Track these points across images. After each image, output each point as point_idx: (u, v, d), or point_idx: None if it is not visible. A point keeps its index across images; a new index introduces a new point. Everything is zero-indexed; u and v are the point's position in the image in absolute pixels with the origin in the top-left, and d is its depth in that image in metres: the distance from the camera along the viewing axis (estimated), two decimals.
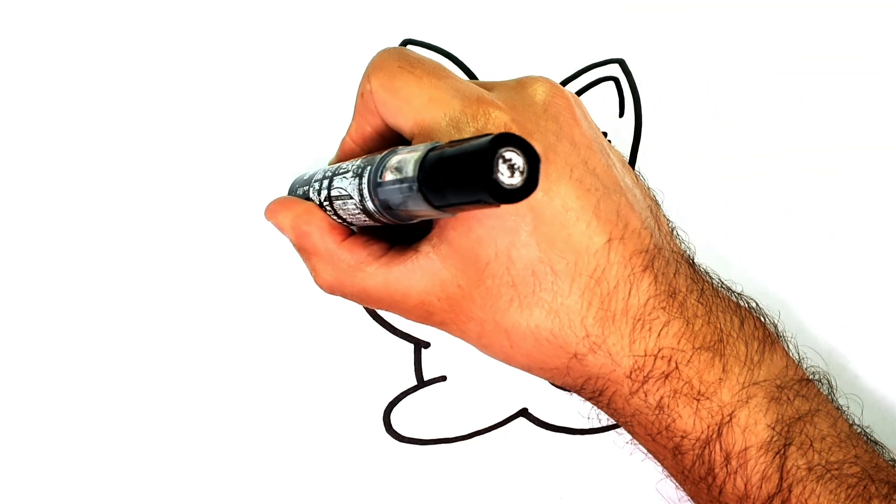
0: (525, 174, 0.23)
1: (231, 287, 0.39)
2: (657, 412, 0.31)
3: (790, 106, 0.41)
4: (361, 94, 0.32)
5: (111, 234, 0.39)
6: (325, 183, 0.32)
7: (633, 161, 0.41)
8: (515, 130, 0.29)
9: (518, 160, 0.23)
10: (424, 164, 0.25)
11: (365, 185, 0.29)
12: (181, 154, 0.40)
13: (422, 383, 0.40)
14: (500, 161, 0.23)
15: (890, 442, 0.34)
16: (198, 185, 0.40)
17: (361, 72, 0.41)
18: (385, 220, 0.29)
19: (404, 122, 0.30)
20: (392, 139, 0.33)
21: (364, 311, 0.39)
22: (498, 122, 0.29)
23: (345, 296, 0.33)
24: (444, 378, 0.40)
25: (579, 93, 0.41)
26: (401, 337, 0.40)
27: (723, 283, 0.34)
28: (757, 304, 0.34)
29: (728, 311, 0.32)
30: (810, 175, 0.41)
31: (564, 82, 0.41)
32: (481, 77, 0.41)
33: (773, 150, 0.41)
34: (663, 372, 0.30)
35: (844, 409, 0.33)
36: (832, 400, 0.33)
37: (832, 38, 0.42)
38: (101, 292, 0.39)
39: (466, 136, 0.29)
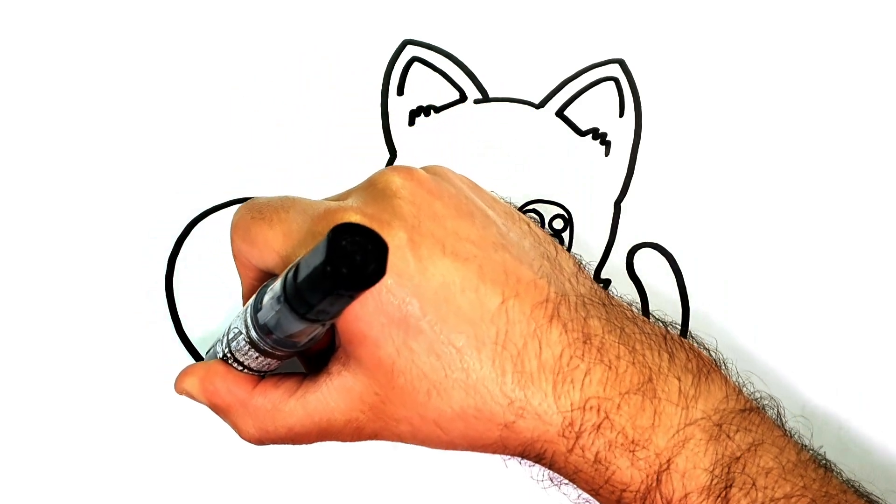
0: (370, 253, 0.23)
1: (230, 285, 0.39)
2: (596, 466, 0.29)
3: (790, 106, 0.41)
4: (234, 256, 0.32)
5: (93, 230, 0.39)
6: (226, 331, 0.32)
7: (633, 161, 0.41)
8: (367, 224, 0.28)
9: (362, 243, 0.23)
10: (286, 277, 0.26)
11: (248, 316, 0.29)
12: (180, 154, 0.40)
13: None
14: (343, 249, 0.23)
15: (846, 459, 0.32)
16: (197, 185, 0.40)
17: (363, 72, 0.41)
18: (274, 352, 0.30)
19: (272, 263, 0.30)
20: None
21: None
22: (349, 220, 0.29)
23: (274, 442, 0.32)
24: None
25: (579, 93, 0.41)
26: None
27: (651, 314, 0.33)
28: (691, 334, 0.33)
29: (656, 347, 0.31)
30: (811, 175, 0.41)
31: (564, 82, 0.41)
32: (481, 77, 0.41)
33: (773, 151, 0.41)
34: (594, 424, 0.29)
35: (794, 432, 0.32)
36: (780, 425, 0.31)
37: (832, 38, 0.42)
38: (99, 292, 0.39)
39: None
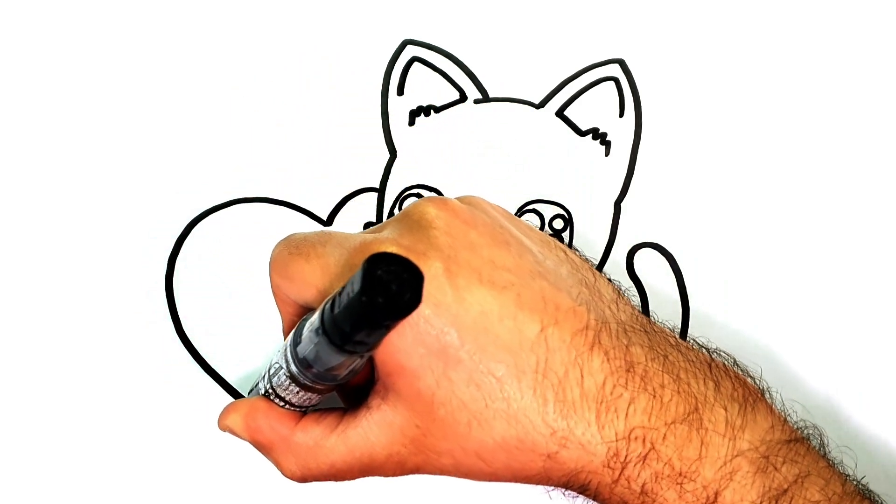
0: (406, 282, 0.23)
1: (230, 285, 0.39)
2: (642, 498, 0.29)
3: (790, 106, 0.41)
4: (274, 292, 0.32)
5: (94, 229, 0.39)
6: (267, 367, 0.32)
7: (633, 161, 0.41)
8: (404, 255, 0.28)
9: (398, 272, 0.23)
10: (324, 309, 0.26)
11: (289, 349, 0.29)
12: (180, 154, 0.40)
13: None
14: (378, 278, 0.23)
15: (890, 490, 0.32)
16: (197, 185, 0.40)
17: (363, 72, 0.41)
18: (314, 386, 0.30)
19: (311, 298, 0.30)
20: None
21: None
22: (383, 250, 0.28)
23: (317, 479, 0.32)
24: None
25: (579, 93, 0.41)
26: None
27: (694, 340, 0.32)
28: (735, 360, 0.32)
29: (700, 375, 0.30)
30: (811, 175, 0.41)
31: (564, 82, 0.41)
32: (481, 77, 0.41)
33: (773, 151, 0.41)
34: (640, 454, 0.29)
35: (837, 462, 0.31)
36: (824, 455, 0.31)
37: (832, 38, 0.42)
38: (99, 292, 0.39)
39: None
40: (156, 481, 0.38)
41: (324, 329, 0.26)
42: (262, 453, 0.33)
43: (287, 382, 0.30)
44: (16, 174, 0.40)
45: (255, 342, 0.39)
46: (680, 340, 0.32)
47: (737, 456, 0.29)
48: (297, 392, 0.30)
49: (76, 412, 0.38)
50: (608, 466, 0.29)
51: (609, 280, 0.33)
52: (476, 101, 0.41)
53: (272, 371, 0.31)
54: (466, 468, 0.30)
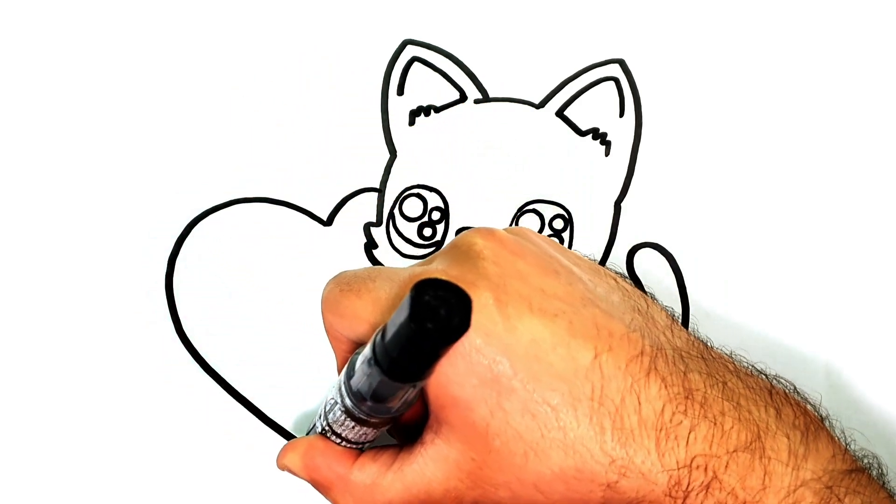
0: (454, 307, 0.23)
1: (230, 285, 0.39)
2: None
3: (790, 106, 0.41)
4: (327, 330, 0.33)
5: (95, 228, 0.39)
6: (323, 404, 0.32)
7: (633, 161, 0.41)
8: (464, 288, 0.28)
9: (445, 297, 0.23)
10: (375, 340, 0.26)
11: (342, 384, 0.29)
12: (180, 154, 0.40)
13: None
14: (426, 304, 0.23)
15: None
16: (197, 185, 0.40)
17: (363, 72, 0.41)
18: (369, 419, 0.29)
19: (363, 332, 0.31)
20: None
21: None
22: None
23: None
24: None
25: (579, 93, 0.41)
26: None
27: (753, 366, 0.31)
28: (795, 387, 0.31)
29: (761, 402, 0.29)
30: (811, 175, 0.41)
31: (564, 82, 0.41)
32: (481, 77, 0.41)
33: (773, 151, 0.41)
34: (702, 483, 0.28)
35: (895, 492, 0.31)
36: (883, 484, 0.30)
37: (832, 38, 0.42)
38: (99, 292, 0.39)
39: None
40: (156, 481, 0.38)
41: (375, 359, 0.26)
42: (321, 493, 0.32)
43: (343, 418, 0.30)
44: (16, 174, 0.40)
45: (255, 342, 0.39)
46: (739, 366, 0.31)
47: (800, 486, 0.28)
48: (353, 427, 0.30)
49: (76, 412, 0.38)
50: (670, 496, 0.28)
51: (662, 307, 0.33)
52: (476, 101, 0.41)
53: (328, 408, 0.31)
54: (525, 501, 0.29)
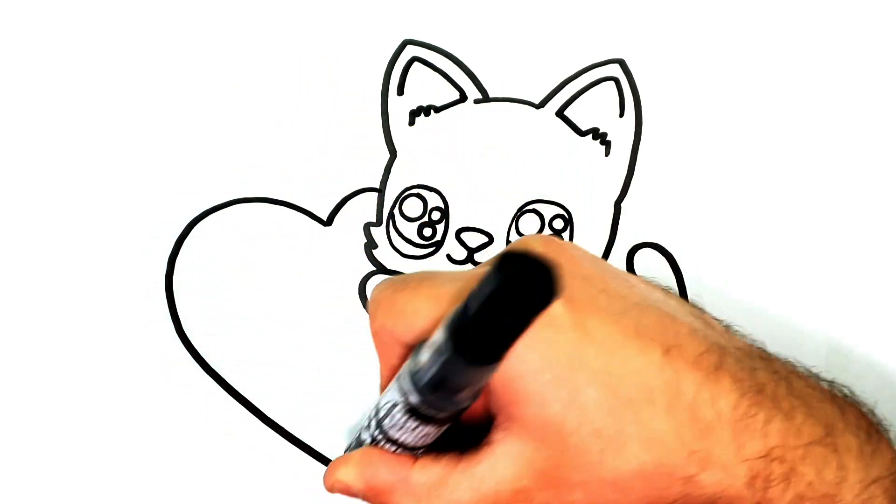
0: (542, 274, 0.22)
1: (230, 285, 0.39)
2: None
3: (790, 106, 0.41)
4: (376, 334, 0.31)
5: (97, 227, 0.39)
6: (372, 413, 0.31)
7: (633, 161, 0.41)
8: None
9: (531, 264, 0.22)
10: (448, 323, 0.25)
11: (405, 381, 0.28)
12: (180, 154, 0.40)
13: None
14: (516, 271, 0.22)
15: None
16: (197, 185, 0.40)
17: (363, 72, 0.41)
18: (436, 415, 0.28)
19: (421, 328, 0.29)
20: None
21: (364, 310, 0.39)
22: None
23: None
24: None
25: (579, 93, 0.41)
26: None
27: (810, 371, 0.31)
28: (851, 391, 0.31)
29: (826, 401, 0.29)
30: (811, 175, 0.41)
31: (564, 82, 0.41)
32: (481, 77, 0.41)
33: (773, 151, 0.41)
34: (782, 474, 0.28)
35: None
36: None
37: (832, 38, 0.42)
38: (99, 292, 0.39)
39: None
40: (156, 481, 0.38)
41: (454, 341, 0.24)
42: (379, 500, 0.31)
43: (403, 419, 0.29)
44: (15, 174, 0.40)
45: (255, 342, 0.39)
46: (798, 368, 0.31)
47: (872, 482, 0.28)
48: (415, 428, 0.29)
49: (76, 412, 0.38)
50: (750, 488, 0.28)
51: (714, 318, 0.33)
52: (476, 101, 0.41)
53: (381, 415, 0.30)
54: (599, 502, 0.29)
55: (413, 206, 0.40)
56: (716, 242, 0.40)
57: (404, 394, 0.28)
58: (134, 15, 0.41)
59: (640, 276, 0.33)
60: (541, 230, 0.40)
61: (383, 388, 0.32)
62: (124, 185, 0.40)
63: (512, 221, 0.40)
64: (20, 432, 0.38)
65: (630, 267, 0.40)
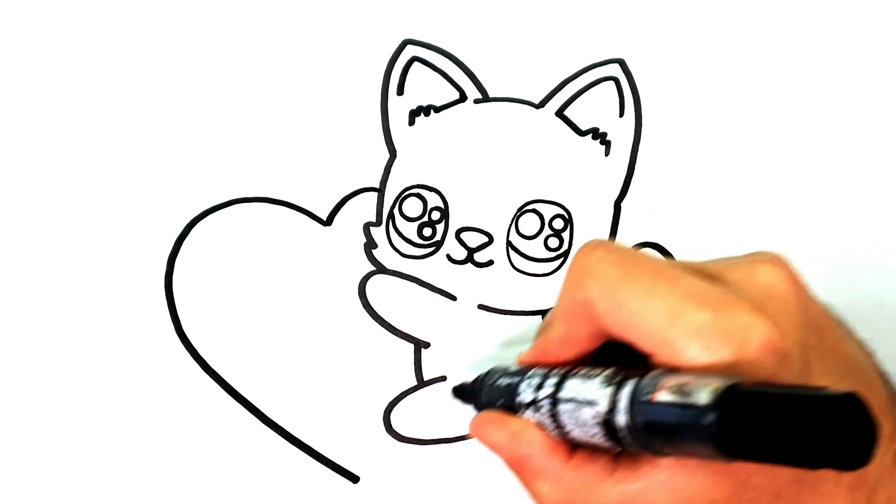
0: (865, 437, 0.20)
1: (230, 285, 0.39)
2: None
3: (790, 106, 0.41)
4: (573, 300, 0.28)
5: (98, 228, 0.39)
6: (553, 381, 0.29)
7: (633, 161, 0.41)
8: (779, 345, 0.25)
9: (855, 418, 0.20)
10: (727, 398, 0.22)
11: (623, 397, 0.25)
12: (180, 154, 0.40)
13: (422, 383, 0.40)
14: (839, 420, 0.20)
15: None
16: (197, 185, 0.40)
17: (363, 72, 0.41)
18: (627, 441, 0.26)
19: (638, 336, 0.27)
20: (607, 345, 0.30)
21: (364, 310, 0.39)
22: (758, 336, 0.25)
23: None
24: (444, 378, 0.40)
25: (579, 93, 0.41)
26: (401, 337, 0.40)
27: None
28: None
29: None
30: (811, 175, 0.41)
31: (564, 82, 0.41)
32: (481, 77, 0.41)
33: (773, 151, 0.41)
34: None
35: None
36: None
37: (832, 38, 0.42)
38: (99, 292, 0.39)
39: (737, 357, 0.25)
40: (156, 481, 0.38)
41: (721, 428, 0.21)
42: (517, 473, 0.30)
43: (588, 421, 0.27)
44: (15, 174, 0.40)
45: (255, 342, 0.39)
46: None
47: None
48: (594, 434, 0.27)
49: (76, 412, 0.38)
50: None
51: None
52: (476, 101, 0.41)
53: (561, 394, 0.28)
54: None
55: (413, 206, 0.40)
56: (716, 242, 0.40)
57: (613, 406, 0.25)
58: (134, 15, 0.41)
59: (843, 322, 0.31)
60: (540, 230, 0.40)
61: (550, 345, 0.30)
62: (124, 185, 0.40)
63: (512, 221, 0.40)
64: (20, 432, 0.38)
65: None
